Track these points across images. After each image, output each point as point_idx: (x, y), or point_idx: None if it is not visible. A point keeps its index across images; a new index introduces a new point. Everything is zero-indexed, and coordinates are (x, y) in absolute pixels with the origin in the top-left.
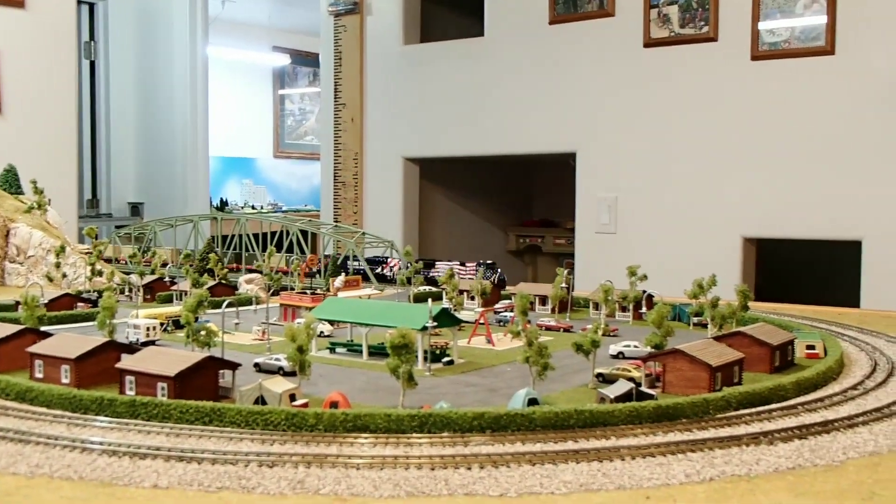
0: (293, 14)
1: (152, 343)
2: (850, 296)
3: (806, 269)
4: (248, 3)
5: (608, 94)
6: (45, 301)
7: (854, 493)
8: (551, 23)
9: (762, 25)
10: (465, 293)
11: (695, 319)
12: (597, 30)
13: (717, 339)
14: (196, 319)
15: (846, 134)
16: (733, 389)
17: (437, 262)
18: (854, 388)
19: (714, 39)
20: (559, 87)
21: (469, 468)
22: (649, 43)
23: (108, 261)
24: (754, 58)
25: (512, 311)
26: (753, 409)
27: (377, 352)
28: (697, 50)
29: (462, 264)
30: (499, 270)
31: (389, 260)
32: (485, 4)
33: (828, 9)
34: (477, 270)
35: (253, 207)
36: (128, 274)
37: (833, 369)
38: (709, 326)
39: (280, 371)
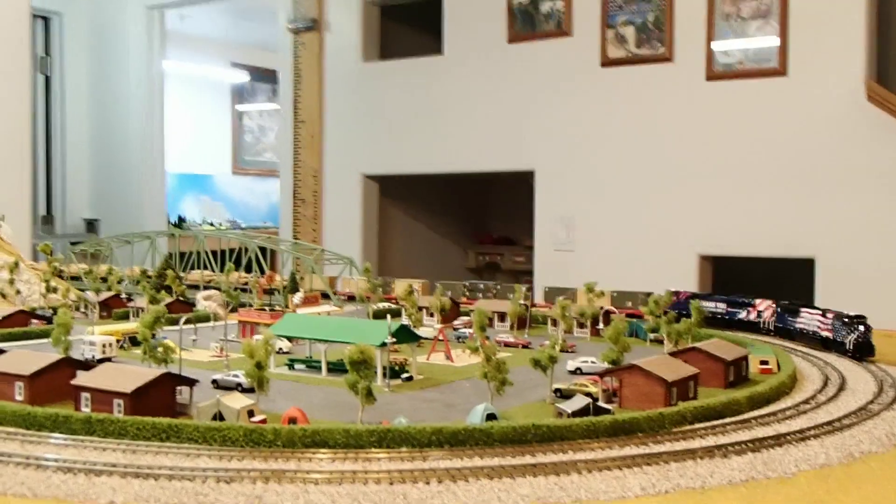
0: (252, 30)
1: (108, 360)
2: None
3: (760, 287)
4: (206, 19)
5: (566, 114)
6: None
7: None
8: (510, 41)
9: (715, 46)
10: (425, 310)
11: (651, 335)
12: (555, 49)
13: (673, 354)
14: (153, 336)
15: (800, 154)
16: (688, 404)
17: (800, 309)
18: (806, 402)
19: (669, 60)
20: (518, 106)
21: (427, 483)
22: (606, 62)
23: (63, 276)
24: (709, 78)
25: (470, 327)
26: (708, 423)
27: (336, 368)
28: (654, 70)
29: (824, 314)
30: (862, 326)
31: (757, 303)
32: (444, 23)
33: (780, 31)
34: (837, 326)
35: (211, 224)
36: (83, 290)
37: (786, 384)
38: (665, 342)
39: (238, 387)
